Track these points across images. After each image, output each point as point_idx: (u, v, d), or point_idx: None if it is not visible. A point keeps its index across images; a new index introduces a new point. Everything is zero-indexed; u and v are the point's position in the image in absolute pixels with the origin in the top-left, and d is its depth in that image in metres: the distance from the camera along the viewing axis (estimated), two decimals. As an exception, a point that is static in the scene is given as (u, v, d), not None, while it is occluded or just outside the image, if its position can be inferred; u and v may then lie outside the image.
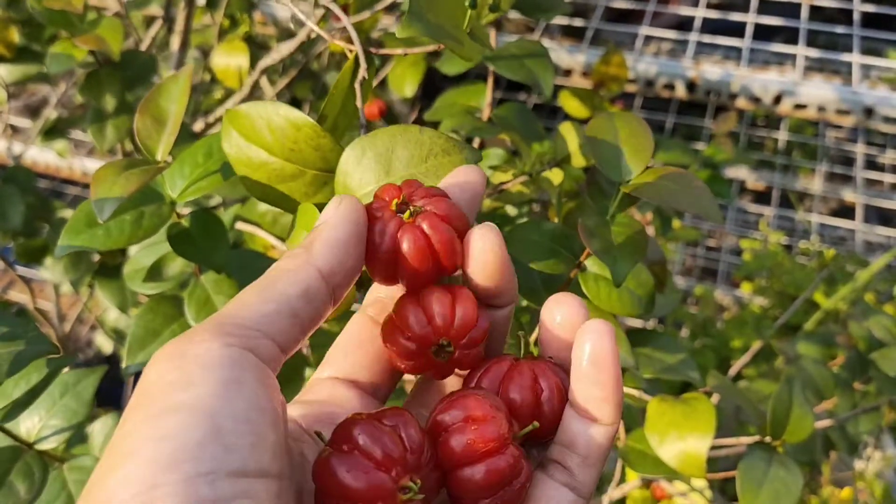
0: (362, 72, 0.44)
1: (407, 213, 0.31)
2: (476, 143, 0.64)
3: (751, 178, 1.68)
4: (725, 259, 1.56)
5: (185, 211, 0.49)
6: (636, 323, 1.19)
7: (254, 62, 0.88)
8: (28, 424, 0.50)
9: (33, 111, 1.70)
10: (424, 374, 0.33)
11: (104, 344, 1.39)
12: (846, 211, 1.70)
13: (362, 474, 0.26)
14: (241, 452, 0.24)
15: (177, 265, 0.51)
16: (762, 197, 1.80)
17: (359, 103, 0.43)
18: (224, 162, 0.46)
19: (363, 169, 0.37)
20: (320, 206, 0.40)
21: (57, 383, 0.50)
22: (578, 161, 0.60)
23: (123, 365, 0.54)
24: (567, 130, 0.58)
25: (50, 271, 0.98)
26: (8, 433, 0.48)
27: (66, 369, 0.51)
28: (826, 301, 1.22)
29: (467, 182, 0.34)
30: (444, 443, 0.28)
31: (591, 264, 0.48)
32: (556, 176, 0.56)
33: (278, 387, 0.27)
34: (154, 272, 0.51)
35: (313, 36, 0.62)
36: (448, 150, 0.37)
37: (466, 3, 0.43)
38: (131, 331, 0.54)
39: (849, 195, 1.65)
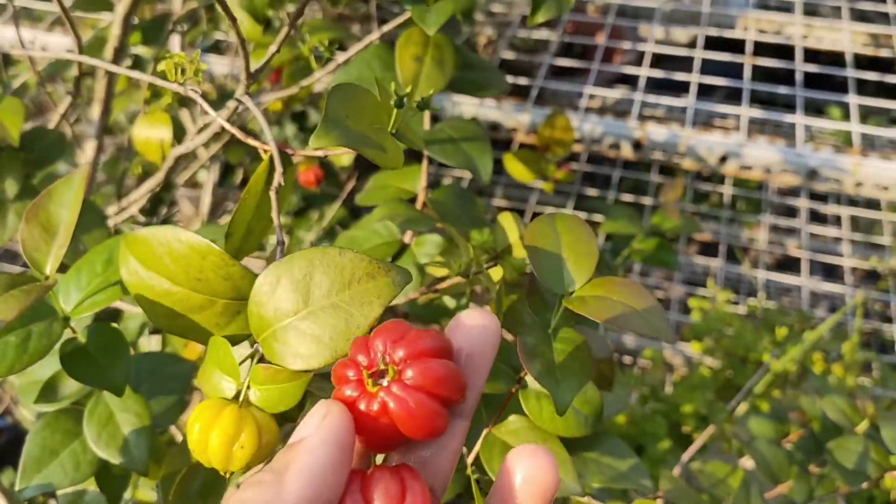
0: (278, 177, 0.39)
1: (375, 386, 0.27)
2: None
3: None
4: (674, 316, 1.53)
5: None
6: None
7: (181, 131, 0.83)
8: None
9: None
10: None
11: (26, 418, 1.31)
12: (791, 263, 1.70)
13: None
14: None
15: (74, 383, 0.46)
16: (709, 248, 1.79)
17: (274, 215, 0.38)
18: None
19: (278, 299, 0.33)
20: (232, 339, 0.35)
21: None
22: (520, 252, 0.56)
23: (17, 488, 0.48)
24: (507, 220, 0.54)
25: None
26: None
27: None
28: (776, 363, 1.20)
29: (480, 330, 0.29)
30: None
31: (532, 381, 0.44)
32: (495, 273, 0.52)
33: None
34: (48, 390, 0.46)
35: (239, 111, 0.58)
36: (372, 273, 0.33)
37: (392, 103, 0.39)
38: (25, 448, 0.48)
39: (793, 248, 1.65)
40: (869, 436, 0.70)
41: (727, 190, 1.72)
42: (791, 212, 1.75)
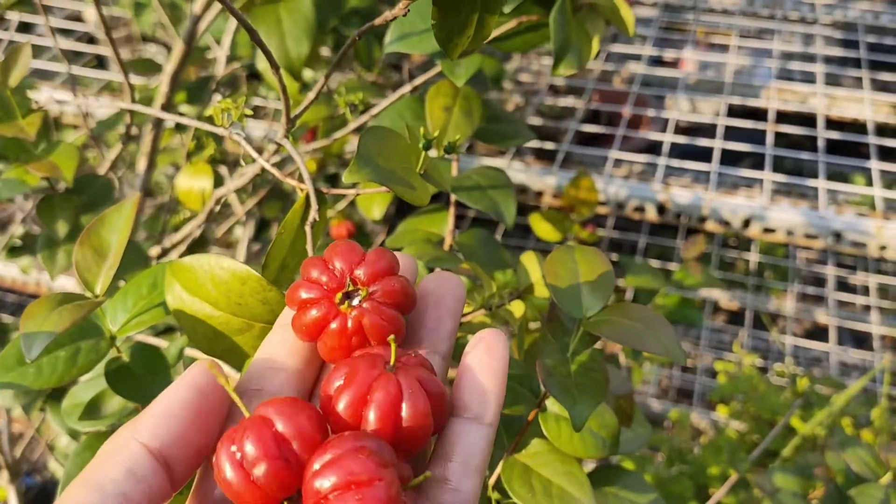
0: (313, 213, 0.42)
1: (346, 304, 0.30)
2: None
3: (724, 298, 1.68)
4: (701, 381, 1.53)
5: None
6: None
7: (221, 183, 0.87)
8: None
9: (1, 226, 1.68)
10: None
11: (58, 469, 1.33)
12: (820, 332, 1.70)
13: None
14: None
15: (116, 402, 0.49)
16: (735, 317, 1.79)
17: (309, 248, 0.41)
18: (169, 294, 0.45)
19: None
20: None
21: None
22: (541, 291, 0.59)
23: (56, 508, 0.50)
24: (529, 260, 0.57)
25: (1, 395, 0.94)
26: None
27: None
28: (803, 426, 1.19)
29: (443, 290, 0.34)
30: (311, 492, 0.25)
31: (552, 404, 0.45)
32: (517, 308, 0.54)
33: None
34: (91, 409, 0.48)
35: (274, 159, 0.62)
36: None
37: (420, 146, 0.42)
38: (66, 470, 0.51)
39: (822, 317, 1.64)
40: (892, 487, 0.70)
41: (753, 257, 1.73)
42: (818, 281, 1.76)
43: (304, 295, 0.30)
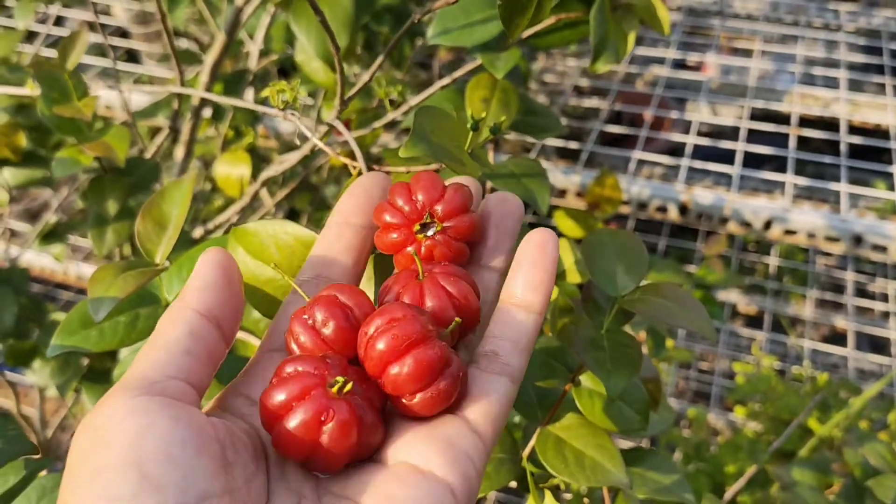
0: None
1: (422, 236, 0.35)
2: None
3: (742, 302, 1.69)
4: (718, 382, 1.54)
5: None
6: (627, 442, 1.17)
7: (255, 173, 0.89)
8: (3, 529, 0.48)
9: (33, 216, 1.72)
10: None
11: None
12: (838, 337, 1.70)
13: (283, 388, 0.28)
14: (174, 489, 0.25)
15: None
16: (754, 321, 1.80)
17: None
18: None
19: (368, 283, 0.38)
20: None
21: (34, 486, 0.49)
22: (573, 277, 0.61)
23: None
24: (562, 247, 0.59)
25: (37, 374, 0.97)
26: (-20, 538, 0.46)
27: (43, 472, 0.50)
28: (820, 427, 1.20)
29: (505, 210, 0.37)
30: (370, 349, 0.29)
31: (586, 379, 0.47)
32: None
33: (198, 413, 0.28)
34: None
35: (316, 149, 0.64)
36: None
37: (468, 126, 0.44)
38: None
39: (840, 322, 1.65)
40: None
41: (773, 262, 1.74)
42: (838, 287, 1.76)
43: (388, 219, 0.35)
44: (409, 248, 0.34)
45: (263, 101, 0.49)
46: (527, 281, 0.33)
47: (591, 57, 0.59)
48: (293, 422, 0.28)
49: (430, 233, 0.34)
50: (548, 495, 0.48)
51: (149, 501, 0.24)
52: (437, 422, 0.30)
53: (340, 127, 0.48)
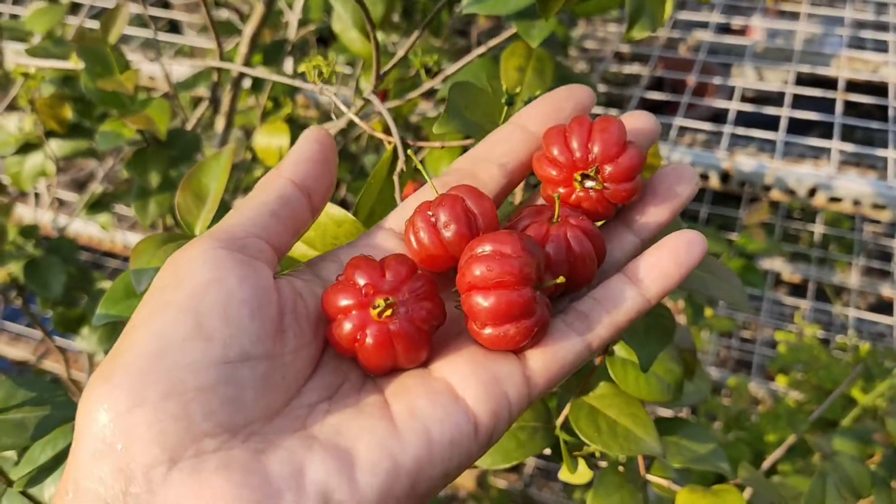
0: (401, 164, 0.45)
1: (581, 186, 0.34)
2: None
3: (786, 271, 1.67)
4: (760, 351, 1.53)
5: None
6: (666, 412, 1.17)
7: (294, 144, 0.90)
8: (52, 490, 0.50)
9: (80, 185, 1.75)
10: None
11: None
12: (884, 306, 1.68)
13: (340, 295, 0.30)
14: (221, 342, 0.27)
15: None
16: (798, 290, 1.78)
17: (397, 196, 0.44)
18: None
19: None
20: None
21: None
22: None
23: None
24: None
25: (86, 341, 1.00)
26: (32, 499, 0.48)
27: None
28: (864, 397, 1.19)
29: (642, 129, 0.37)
30: (467, 268, 0.30)
31: (619, 349, 0.48)
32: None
33: (267, 276, 0.30)
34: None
35: (358, 115, 0.64)
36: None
37: (503, 101, 0.44)
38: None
39: (887, 290, 1.62)
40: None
41: (818, 229, 1.71)
42: (885, 255, 1.73)
43: (552, 173, 0.35)
44: (560, 190, 0.35)
45: (301, 75, 0.49)
46: (656, 267, 0.32)
47: (627, 24, 0.58)
48: (337, 330, 0.30)
49: (587, 184, 0.34)
50: (581, 463, 0.49)
51: (196, 346, 0.27)
52: (497, 355, 0.31)
53: (376, 101, 0.49)
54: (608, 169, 0.33)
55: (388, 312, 0.29)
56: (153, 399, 0.26)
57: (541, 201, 0.37)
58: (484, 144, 0.37)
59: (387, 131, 0.49)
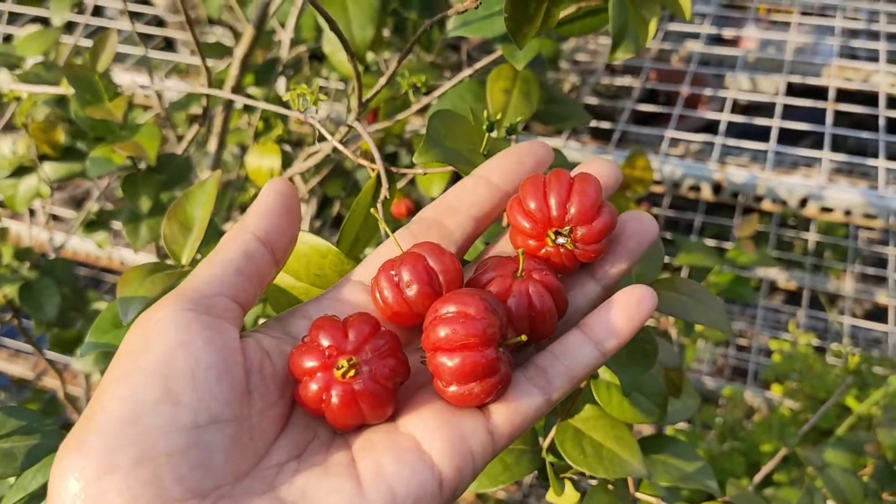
0: (384, 191, 0.45)
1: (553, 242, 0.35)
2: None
3: (781, 278, 1.68)
4: (756, 359, 1.54)
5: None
6: (652, 428, 1.17)
7: (289, 162, 0.91)
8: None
9: (77, 202, 1.76)
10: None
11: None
12: (880, 313, 1.68)
13: (305, 357, 0.31)
14: (189, 407, 0.28)
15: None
16: (793, 297, 1.78)
17: (380, 223, 0.44)
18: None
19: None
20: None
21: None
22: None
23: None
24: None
25: (82, 361, 1.00)
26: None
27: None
28: (858, 406, 1.19)
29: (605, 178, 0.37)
30: (431, 329, 0.31)
31: (604, 372, 0.48)
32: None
33: (234, 337, 0.31)
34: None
35: (346, 137, 0.64)
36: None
37: (484, 128, 0.45)
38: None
39: (882, 297, 1.63)
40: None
41: (812, 237, 1.72)
42: (880, 261, 1.74)
43: (525, 225, 0.35)
44: (542, 251, 0.35)
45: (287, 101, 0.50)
46: (610, 323, 0.33)
47: (611, 46, 0.59)
48: (304, 391, 0.31)
49: (560, 241, 0.35)
50: (568, 485, 0.49)
51: (165, 411, 0.27)
52: (462, 410, 0.32)
53: (360, 128, 0.49)
54: (581, 231, 0.34)
55: (352, 373, 0.30)
56: (124, 465, 0.26)
57: (505, 242, 0.38)
58: (450, 195, 0.38)
59: (369, 157, 0.50)
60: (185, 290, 0.31)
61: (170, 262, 0.49)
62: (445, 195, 0.38)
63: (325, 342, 0.31)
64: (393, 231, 0.37)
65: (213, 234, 0.68)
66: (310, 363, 0.31)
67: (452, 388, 0.31)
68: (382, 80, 0.51)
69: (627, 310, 0.33)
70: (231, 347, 0.30)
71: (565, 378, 0.33)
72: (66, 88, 0.70)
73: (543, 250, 0.35)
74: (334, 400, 0.30)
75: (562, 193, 0.34)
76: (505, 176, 0.38)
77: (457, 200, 0.38)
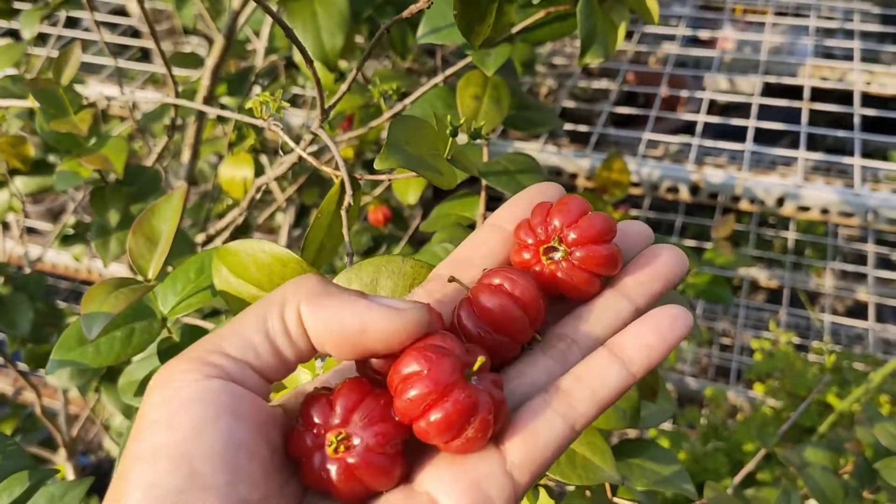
0: (348, 198, 0.45)
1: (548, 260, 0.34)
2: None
3: (762, 277, 1.68)
4: (738, 359, 1.54)
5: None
6: (632, 432, 1.17)
7: (262, 172, 0.90)
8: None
9: (55, 215, 1.74)
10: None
11: (112, 447, 1.39)
12: (861, 309, 1.69)
13: (301, 438, 0.30)
14: (217, 491, 0.26)
15: (168, 379, 0.52)
16: (775, 295, 1.79)
17: (345, 231, 0.44)
18: (215, 278, 0.48)
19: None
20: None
21: (43, 494, 0.51)
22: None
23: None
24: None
25: (56, 377, 0.99)
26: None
27: (53, 480, 0.52)
28: (839, 403, 1.20)
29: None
30: (397, 401, 0.29)
31: (575, 378, 0.48)
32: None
33: (262, 410, 0.29)
34: (144, 385, 0.52)
35: (308, 147, 0.64)
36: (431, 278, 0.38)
37: (447, 133, 0.44)
38: (121, 447, 0.54)
39: (862, 294, 1.64)
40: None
41: (792, 235, 1.73)
42: (860, 258, 1.75)
43: (525, 256, 0.35)
44: (536, 267, 0.34)
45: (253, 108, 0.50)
46: (641, 343, 0.31)
47: (580, 52, 0.59)
48: (306, 472, 0.30)
49: (555, 256, 0.34)
50: (542, 493, 0.49)
51: (192, 499, 0.26)
52: (475, 457, 0.30)
53: (323, 135, 0.49)
54: (571, 235, 0.33)
55: (342, 448, 0.29)
56: None
57: None
58: (463, 248, 0.36)
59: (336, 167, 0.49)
60: (213, 352, 0.29)
61: (138, 276, 0.48)
62: (459, 249, 0.37)
63: (316, 419, 0.30)
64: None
65: (185, 247, 0.68)
66: (305, 443, 0.30)
67: (451, 444, 0.29)
68: (343, 87, 0.50)
69: (660, 329, 0.31)
70: (259, 421, 0.29)
71: (590, 403, 0.30)
72: (32, 102, 0.70)
73: (546, 270, 0.34)
74: (333, 477, 0.29)
75: (543, 214, 0.34)
76: (515, 220, 0.36)
77: (471, 253, 0.36)
